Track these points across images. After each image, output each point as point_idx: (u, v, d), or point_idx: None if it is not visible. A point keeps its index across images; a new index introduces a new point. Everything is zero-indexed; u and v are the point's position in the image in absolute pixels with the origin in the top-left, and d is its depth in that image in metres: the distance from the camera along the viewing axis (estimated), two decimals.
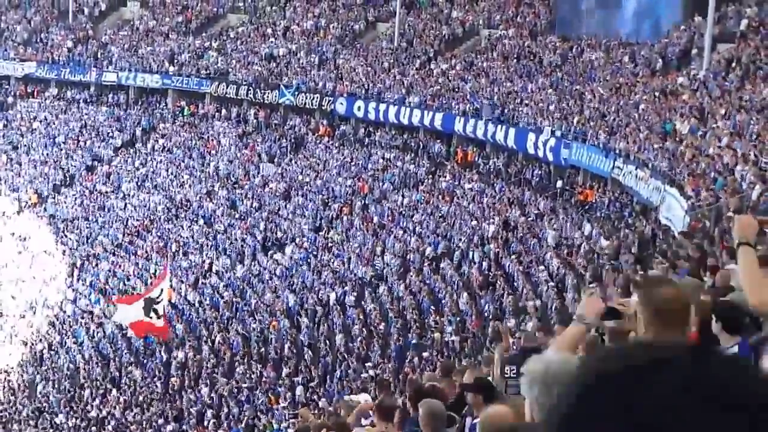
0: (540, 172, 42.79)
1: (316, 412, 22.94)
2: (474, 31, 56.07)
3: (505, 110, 45.78)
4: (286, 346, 37.44)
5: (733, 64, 37.05)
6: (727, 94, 34.46)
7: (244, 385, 36.46)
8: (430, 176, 46.73)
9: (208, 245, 48.41)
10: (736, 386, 1.12)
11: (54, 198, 58.73)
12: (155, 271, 48.00)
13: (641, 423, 1.11)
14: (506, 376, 9.28)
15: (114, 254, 51.72)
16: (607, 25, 49.39)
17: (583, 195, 38.99)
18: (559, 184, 41.09)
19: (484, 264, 36.01)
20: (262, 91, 57.62)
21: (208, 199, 52.50)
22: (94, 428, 39.47)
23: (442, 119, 48.59)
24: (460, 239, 38.89)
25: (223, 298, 43.38)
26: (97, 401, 40.90)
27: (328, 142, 53.61)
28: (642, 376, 1.12)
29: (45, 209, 58.15)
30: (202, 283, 45.55)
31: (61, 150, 61.88)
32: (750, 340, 5.84)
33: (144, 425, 37.71)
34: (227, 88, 59.24)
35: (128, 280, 48.76)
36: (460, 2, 58.43)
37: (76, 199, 57.66)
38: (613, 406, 1.11)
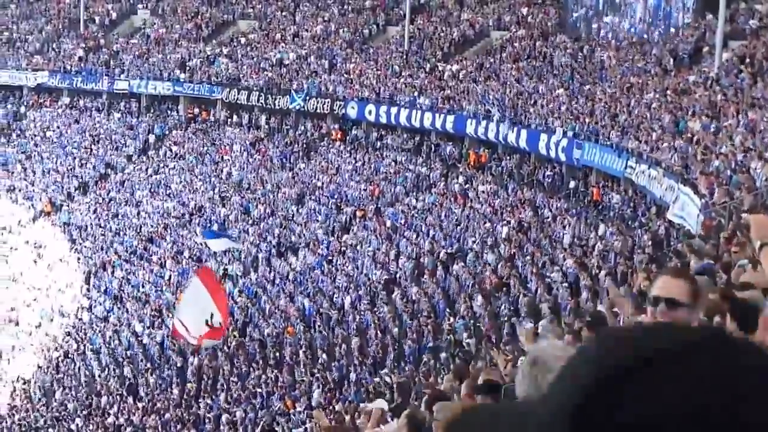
0: (552, 173, 42.70)
1: (332, 416, 22.93)
2: (484, 33, 56.05)
3: (517, 112, 45.73)
4: (301, 351, 37.43)
5: (746, 62, 36.94)
6: (740, 92, 34.36)
7: (260, 390, 36.44)
8: (443, 179, 46.70)
9: (222, 251, 48.41)
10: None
11: (68, 206, 58.92)
12: (170, 277, 48.03)
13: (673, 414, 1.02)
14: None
15: (128, 261, 51.82)
16: (618, 24, 49.33)
17: (592, 194, 38.92)
18: (572, 184, 41.00)
19: (498, 266, 35.93)
20: (273, 97, 57.71)
21: (221, 205, 52.59)
22: None
23: (454, 121, 48.55)
24: (474, 241, 38.85)
25: (237, 303, 43.39)
26: (115, 408, 40.95)
27: (340, 146, 53.64)
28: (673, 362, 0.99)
29: (59, 217, 58.35)
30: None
31: (75, 158, 62.10)
32: None
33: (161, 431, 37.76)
34: (238, 94, 59.35)
35: (143, 287, 48.83)
36: (470, 4, 58.45)
37: (89, 206, 57.85)
38: (646, 394, 0.98)
